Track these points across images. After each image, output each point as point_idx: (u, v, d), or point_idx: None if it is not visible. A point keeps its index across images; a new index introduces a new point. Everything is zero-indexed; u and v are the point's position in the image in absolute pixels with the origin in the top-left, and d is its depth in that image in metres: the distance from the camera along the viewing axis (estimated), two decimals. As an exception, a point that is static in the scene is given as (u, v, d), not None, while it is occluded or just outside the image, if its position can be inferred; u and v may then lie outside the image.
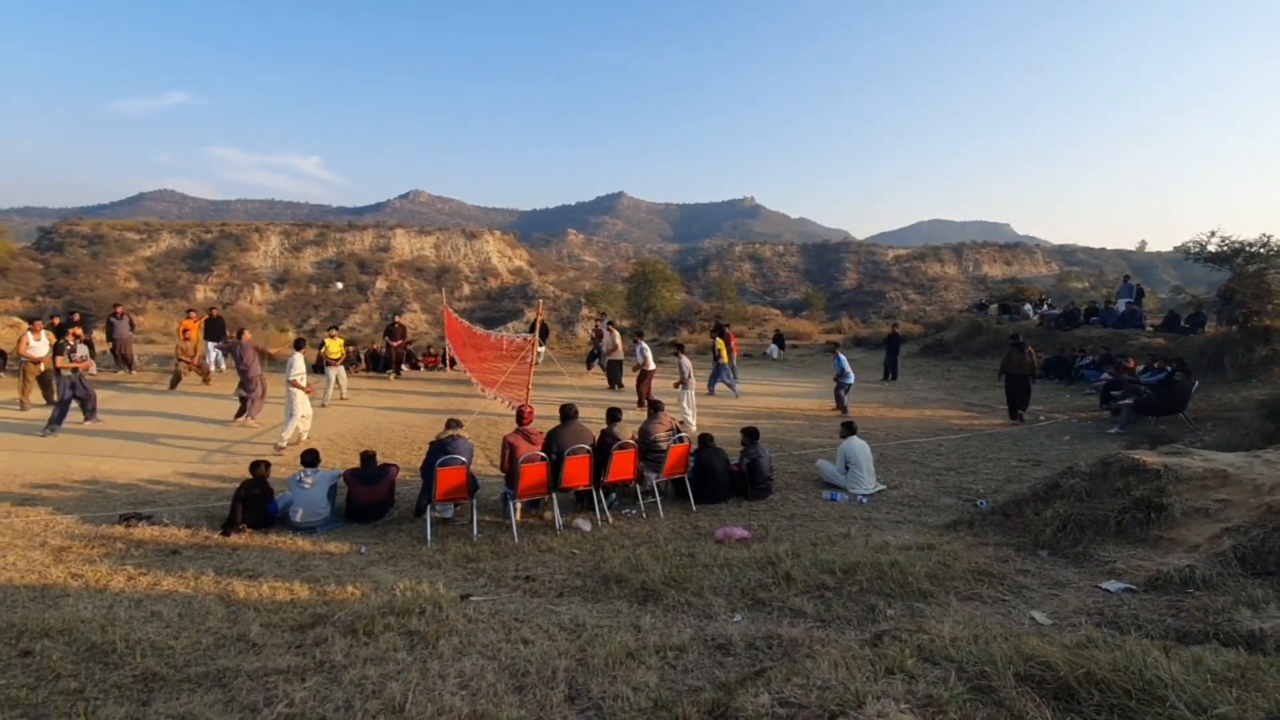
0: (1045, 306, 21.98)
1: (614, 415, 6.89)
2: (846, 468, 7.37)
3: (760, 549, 5.17)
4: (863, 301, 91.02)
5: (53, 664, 3.17)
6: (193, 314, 14.30)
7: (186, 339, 13.40)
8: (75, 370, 9.62)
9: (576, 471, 6.33)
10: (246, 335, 10.38)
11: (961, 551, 4.81)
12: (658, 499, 6.76)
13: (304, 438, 8.97)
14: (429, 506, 6.06)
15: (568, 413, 6.63)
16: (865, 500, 7.02)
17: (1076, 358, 15.46)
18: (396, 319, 17.02)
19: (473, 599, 4.21)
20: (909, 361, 20.08)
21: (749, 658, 3.20)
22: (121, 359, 14.33)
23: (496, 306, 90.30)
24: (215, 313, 15.19)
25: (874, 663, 2.59)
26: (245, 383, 9.98)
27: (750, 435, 7.40)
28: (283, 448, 8.60)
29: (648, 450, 6.87)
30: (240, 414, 10.06)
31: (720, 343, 14.12)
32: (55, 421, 9.37)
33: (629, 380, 13.92)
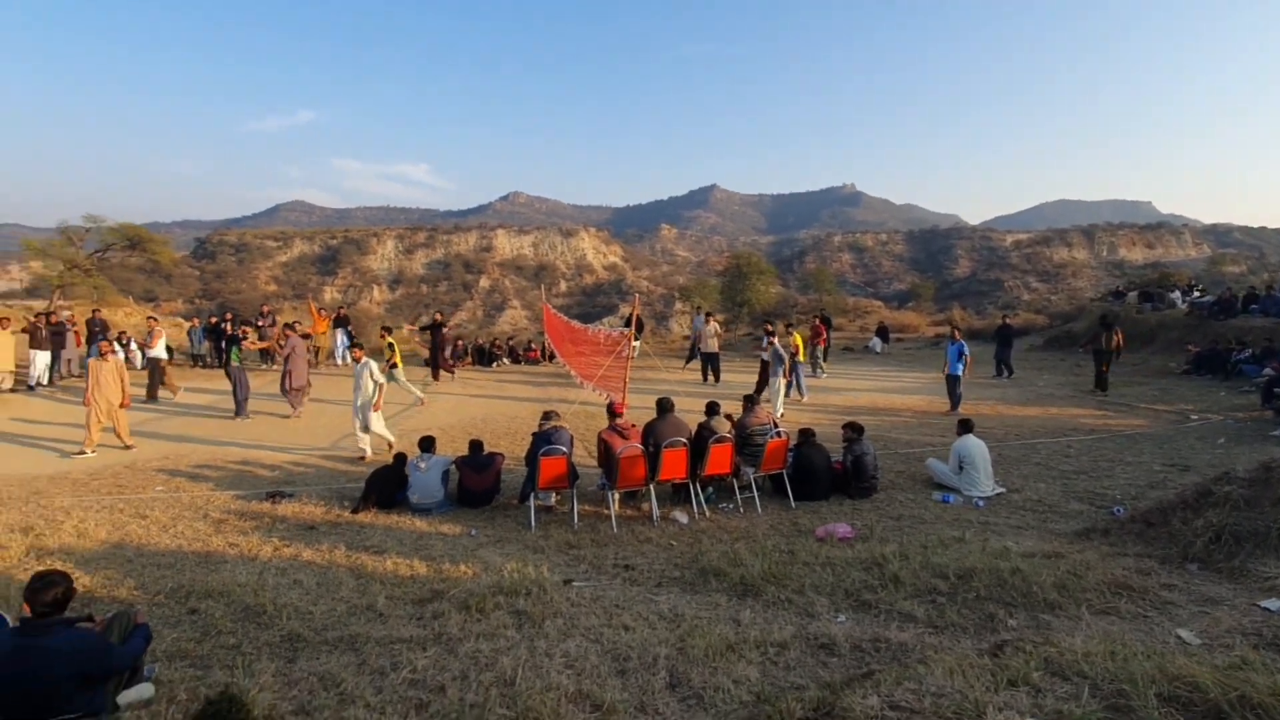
0: (1196, 293, 19.56)
1: (712, 408, 6.86)
2: (960, 467, 6.92)
3: (865, 549, 4.97)
4: (977, 291, 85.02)
5: (215, 621, 3.61)
6: (322, 311, 15.71)
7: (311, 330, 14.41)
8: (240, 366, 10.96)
9: (673, 464, 6.36)
10: (288, 331, 11.60)
11: (1095, 562, 4.39)
12: (755, 494, 6.67)
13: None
14: (533, 494, 6.31)
15: (664, 406, 6.67)
16: (981, 503, 6.57)
17: (1233, 351, 13.67)
18: (436, 314, 15.15)
19: (574, 584, 4.35)
20: (1031, 355, 18.56)
21: (855, 659, 3.10)
22: (267, 356, 16.05)
23: (592, 302, 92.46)
24: (343, 311, 16.76)
25: (994, 673, 2.43)
26: (291, 377, 10.83)
27: (855, 430, 7.10)
28: (392, 441, 8.59)
29: (744, 444, 6.79)
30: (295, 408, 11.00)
31: (797, 336, 12.98)
32: (242, 410, 10.80)
33: (730, 375, 13.68)
